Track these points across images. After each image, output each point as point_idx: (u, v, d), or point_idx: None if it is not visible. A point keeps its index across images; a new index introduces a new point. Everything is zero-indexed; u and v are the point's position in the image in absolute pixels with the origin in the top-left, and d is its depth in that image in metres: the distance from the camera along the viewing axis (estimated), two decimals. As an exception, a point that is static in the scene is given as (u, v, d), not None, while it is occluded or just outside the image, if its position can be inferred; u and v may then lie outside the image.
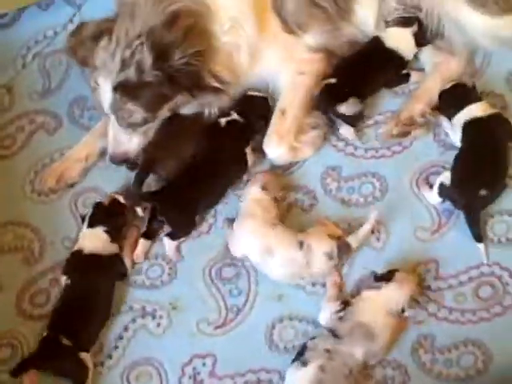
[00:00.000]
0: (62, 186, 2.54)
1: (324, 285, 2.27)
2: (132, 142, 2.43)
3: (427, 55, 2.64)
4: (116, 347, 2.25)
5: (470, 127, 2.41)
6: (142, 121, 2.36)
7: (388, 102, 2.59)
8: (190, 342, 2.25)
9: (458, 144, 2.43)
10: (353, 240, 2.26)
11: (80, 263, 2.33)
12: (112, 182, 2.52)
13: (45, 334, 2.22)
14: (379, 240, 2.33)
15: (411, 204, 2.39)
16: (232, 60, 2.41)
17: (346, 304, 2.18)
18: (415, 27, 2.59)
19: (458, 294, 2.23)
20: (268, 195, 2.37)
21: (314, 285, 2.28)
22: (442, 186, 2.33)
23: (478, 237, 2.27)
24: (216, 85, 2.34)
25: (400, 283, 2.17)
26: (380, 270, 2.25)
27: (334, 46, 2.58)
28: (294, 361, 2.13)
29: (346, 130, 2.49)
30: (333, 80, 2.49)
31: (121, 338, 2.26)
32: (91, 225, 2.36)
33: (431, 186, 2.37)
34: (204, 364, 2.21)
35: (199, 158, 2.44)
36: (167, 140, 2.45)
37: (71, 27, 2.83)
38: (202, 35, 2.32)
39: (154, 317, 2.29)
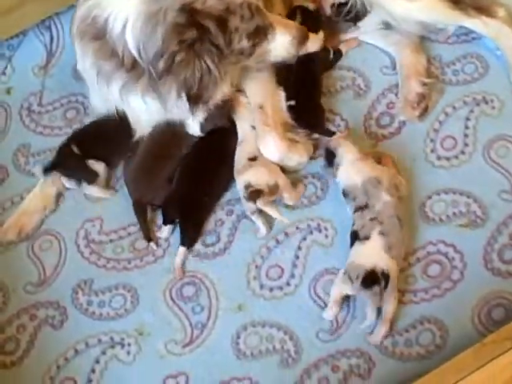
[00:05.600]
0: (23, 238, 2.57)
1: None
2: None
3: (382, 41, 2.72)
4: (90, 381, 2.30)
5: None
6: None
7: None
8: (161, 365, 2.30)
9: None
10: None
11: None
12: (67, 224, 2.58)
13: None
14: (328, 237, 2.41)
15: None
16: None
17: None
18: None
19: (408, 275, 2.29)
20: None
21: (271, 290, 2.36)
22: None
23: None
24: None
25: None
26: (332, 267, 2.33)
27: None
28: (352, 244, 2.28)
29: None
30: (292, 102, 2.53)
31: (93, 371, 2.31)
32: None
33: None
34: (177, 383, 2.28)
35: (195, 156, 2.53)
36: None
37: (4, 79, 2.91)
38: None
39: (122, 345, 2.34)
